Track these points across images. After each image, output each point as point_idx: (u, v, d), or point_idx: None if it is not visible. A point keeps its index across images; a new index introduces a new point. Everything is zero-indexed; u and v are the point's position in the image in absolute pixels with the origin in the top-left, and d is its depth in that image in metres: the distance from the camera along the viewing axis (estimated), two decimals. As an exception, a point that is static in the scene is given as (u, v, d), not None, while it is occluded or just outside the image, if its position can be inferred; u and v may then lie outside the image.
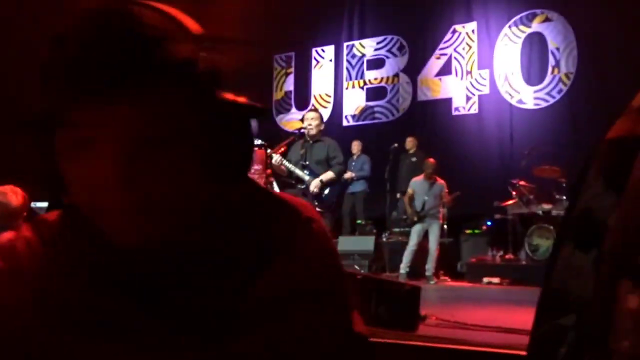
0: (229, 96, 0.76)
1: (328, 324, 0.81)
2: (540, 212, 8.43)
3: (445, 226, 9.40)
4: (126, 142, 0.69)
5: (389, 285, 3.16)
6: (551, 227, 8.06)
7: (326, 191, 5.78)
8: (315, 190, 5.71)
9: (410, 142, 10.01)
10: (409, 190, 8.48)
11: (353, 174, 9.72)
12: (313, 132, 5.88)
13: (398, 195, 9.72)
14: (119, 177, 0.68)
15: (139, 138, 0.69)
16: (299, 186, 5.90)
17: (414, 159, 9.77)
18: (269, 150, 5.80)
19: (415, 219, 8.30)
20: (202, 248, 0.79)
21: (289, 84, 12.65)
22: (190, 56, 0.72)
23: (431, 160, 8.54)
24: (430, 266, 8.16)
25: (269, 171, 5.84)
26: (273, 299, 0.78)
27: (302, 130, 5.96)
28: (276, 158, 5.79)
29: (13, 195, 3.29)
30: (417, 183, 8.48)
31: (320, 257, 0.84)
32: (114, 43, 0.67)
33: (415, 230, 8.31)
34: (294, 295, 0.79)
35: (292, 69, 12.66)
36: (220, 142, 0.77)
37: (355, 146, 10.11)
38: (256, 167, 5.80)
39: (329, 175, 5.79)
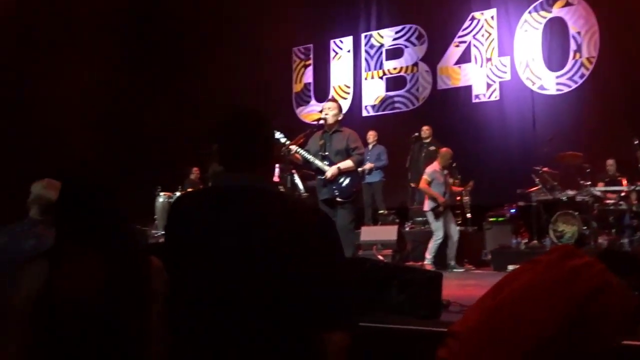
0: None
1: None
2: (564, 198, 8.33)
3: (469, 214, 9.36)
4: None
5: (410, 273, 3.16)
6: (576, 213, 7.97)
7: (346, 181, 5.74)
8: (331, 177, 5.68)
9: (426, 131, 9.98)
10: (428, 179, 8.33)
11: (372, 165, 9.71)
12: (330, 121, 5.84)
13: (412, 185, 9.78)
14: None
15: None
16: (319, 177, 5.88)
17: (432, 148, 9.75)
18: (287, 142, 5.77)
19: (442, 209, 8.18)
20: None
21: (308, 76, 12.64)
22: None
23: (450, 150, 8.45)
24: (453, 254, 8.14)
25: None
26: None
27: (321, 122, 5.93)
28: (292, 148, 5.76)
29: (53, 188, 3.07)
30: (436, 173, 8.35)
31: None
32: None
33: (441, 222, 8.19)
34: None
35: (311, 61, 12.65)
36: None
37: (371, 136, 10.08)
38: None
39: (347, 163, 5.75)
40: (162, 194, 10.12)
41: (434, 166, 8.42)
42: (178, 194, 10.19)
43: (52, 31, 10.10)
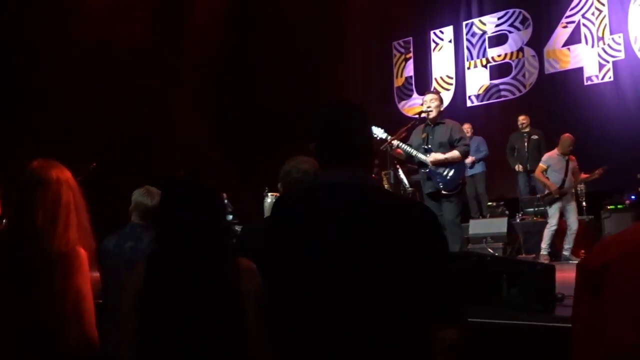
0: None
1: None
2: (691, 182, 7.76)
3: (584, 203, 8.93)
4: None
5: (520, 266, 3.04)
6: None
7: (451, 172, 5.62)
8: (435, 162, 5.58)
9: (522, 120, 9.70)
10: (543, 166, 8.11)
11: (472, 158, 9.52)
12: (433, 114, 5.74)
13: (518, 168, 9.59)
14: None
15: None
16: (423, 170, 5.80)
17: (534, 137, 9.46)
18: (389, 138, 5.73)
19: (557, 195, 7.89)
20: None
21: (409, 70, 12.50)
22: None
23: (570, 136, 8.14)
24: (570, 245, 7.81)
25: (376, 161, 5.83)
26: None
27: (422, 115, 5.85)
28: (394, 143, 5.72)
29: (149, 195, 3.43)
30: (553, 159, 8.09)
31: None
32: None
33: (556, 209, 7.92)
34: None
35: (411, 54, 12.50)
36: None
37: (468, 129, 9.90)
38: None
39: (454, 154, 5.64)
40: (270, 194, 10.36)
41: (552, 152, 8.23)
42: (285, 193, 10.42)
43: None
